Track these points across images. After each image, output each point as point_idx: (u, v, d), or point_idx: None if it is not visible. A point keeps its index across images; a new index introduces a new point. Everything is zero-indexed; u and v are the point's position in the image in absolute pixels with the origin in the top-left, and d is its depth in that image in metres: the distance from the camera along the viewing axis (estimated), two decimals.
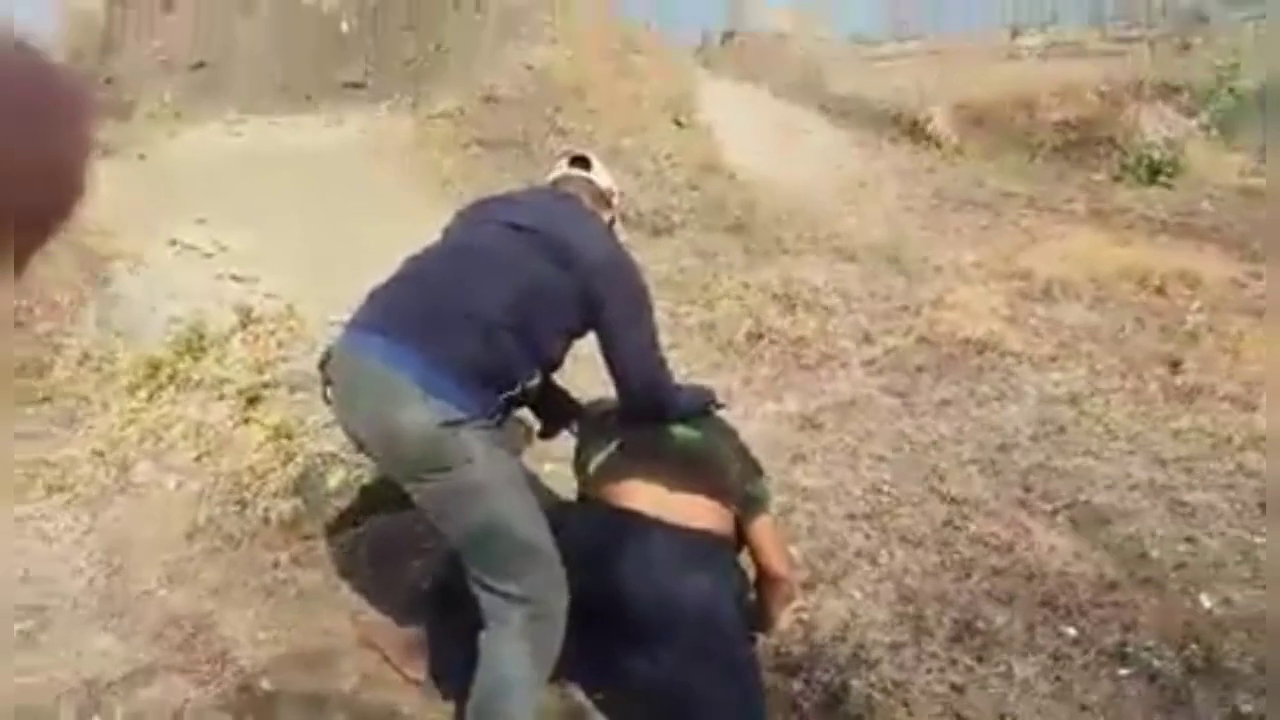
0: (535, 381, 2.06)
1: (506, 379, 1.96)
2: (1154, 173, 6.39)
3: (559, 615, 1.94)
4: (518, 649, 1.90)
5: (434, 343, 1.87)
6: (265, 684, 2.48)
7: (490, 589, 1.92)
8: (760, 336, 4.35)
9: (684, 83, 6.82)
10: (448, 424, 1.82)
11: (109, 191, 5.09)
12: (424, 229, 2.20)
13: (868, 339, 4.25)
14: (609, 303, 2.03)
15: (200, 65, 6.63)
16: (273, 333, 3.75)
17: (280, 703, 2.42)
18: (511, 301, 1.94)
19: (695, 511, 2.14)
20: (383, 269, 2.10)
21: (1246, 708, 2.15)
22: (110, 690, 2.53)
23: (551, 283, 1.99)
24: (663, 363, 2.20)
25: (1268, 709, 1.94)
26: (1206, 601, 2.49)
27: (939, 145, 6.92)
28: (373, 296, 2.03)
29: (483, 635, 1.95)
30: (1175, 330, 4.01)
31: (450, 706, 2.27)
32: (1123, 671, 2.28)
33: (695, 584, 2.04)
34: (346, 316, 2.08)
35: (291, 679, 2.49)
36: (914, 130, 7.06)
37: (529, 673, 1.93)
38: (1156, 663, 2.28)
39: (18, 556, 3.19)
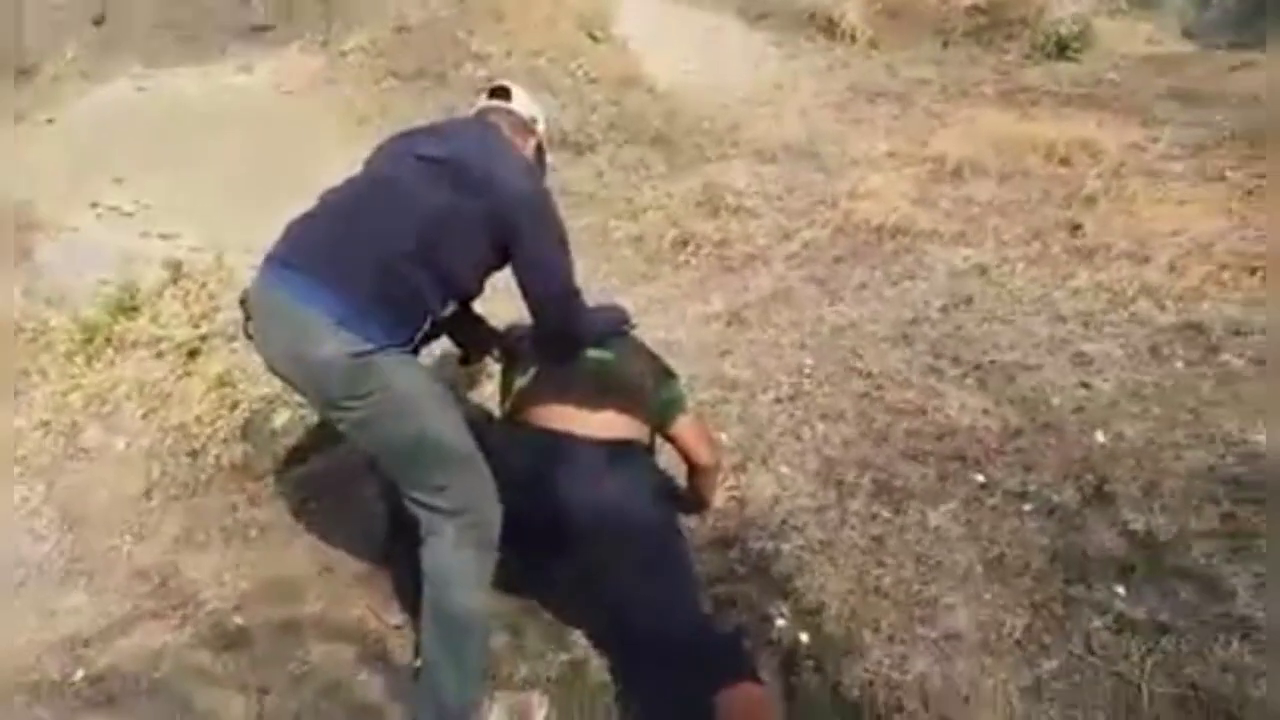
0: (447, 311, 2.13)
1: (415, 309, 2.02)
2: (1061, 48, 6.52)
3: (493, 523, 2.05)
4: (457, 558, 2.02)
5: (343, 275, 1.93)
6: (237, 619, 2.61)
7: (424, 504, 2.02)
8: (685, 243, 4.47)
9: None
10: (360, 354, 1.90)
11: (22, 159, 5.02)
12: (342, 167, 2.25)
13: (787, 235, 4.39)
14: (521, 233, 2.07)
15: (101, 20, 6.46)
16: (203, 285, 3.79)
17: (253, 634, 2.55)
18: (418, 231, 1.99)
19: (610, 424, 2.28)
20: (306, 210, 2.15)
21: (1135, 525, 2.37)
22: (89, 644, 2.64)
23: (461, 213, 2.03)
24: (577, 291, 2.24)
25: None
26: (1100, 437, 2.70)
27: (854, 40, 6.97)
28: (287, 230, 2.09)
29: (422, 550, 2.06)
30: (1077, 197, 4.18)
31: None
32: (1025, 508, 2.48)
33: (616, 487, 2.18)
34: None
35: (261, 612, 2.62)
36: (830, 27, 7.09)
37: (472, 572, 2.04)
38: (1055, 497, 2.49)
39: None
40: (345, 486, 3.03)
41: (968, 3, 7.09)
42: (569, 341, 2.31)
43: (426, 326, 2.06)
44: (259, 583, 2.74)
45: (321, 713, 2.24)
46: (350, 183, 2.16)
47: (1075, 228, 3.90)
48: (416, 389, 2.00)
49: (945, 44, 6.94)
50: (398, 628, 2.45)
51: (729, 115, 5.85)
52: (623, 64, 6.22)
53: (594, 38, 6.47)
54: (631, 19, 6.70)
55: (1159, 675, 1.94)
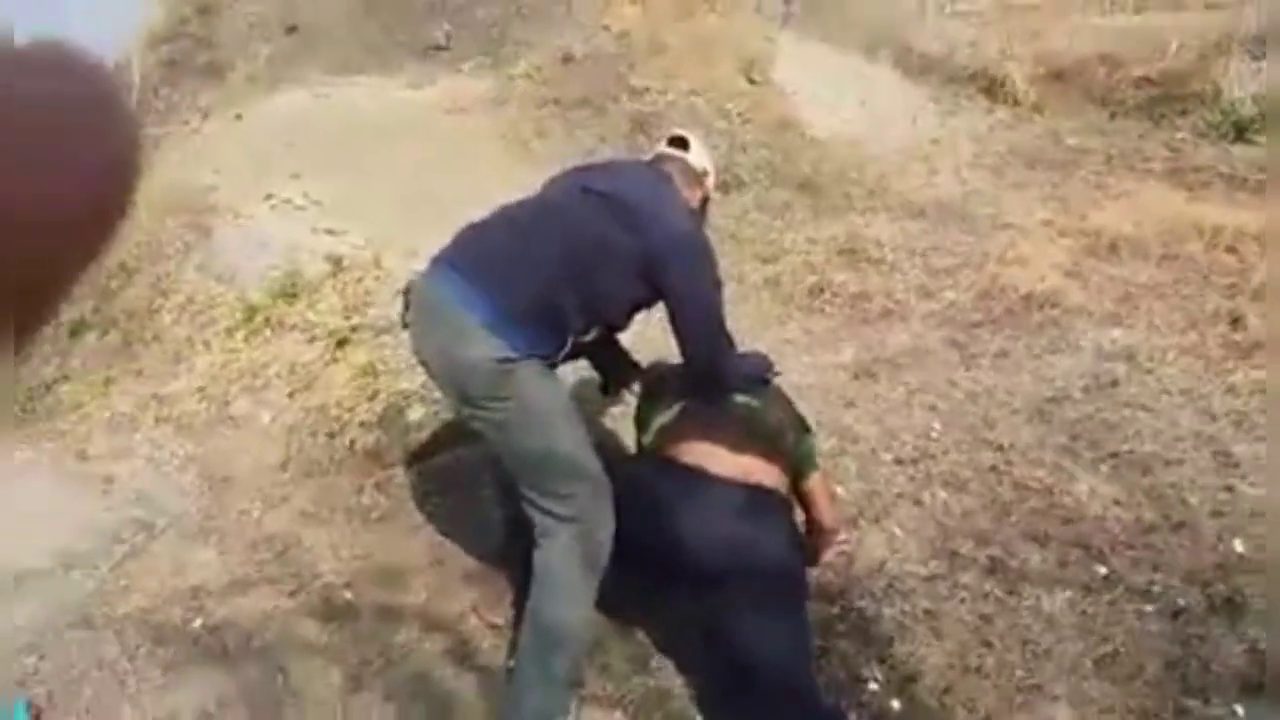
0: (590, 336, 2.23)
1: (561, 328, 2.12)
2: (1240, 129, 6.19)
3: (604, 542, 2.12)
4: (566, 563, 2.09)
5: (500, 285, 2.06)
6: (346, 595, 2.75)
7: (541, 509, 2.11)
8: (823, 291, 4.45)
9: (758, 40, 6.85)
10: (504, 360, 2.01)
11: (210, 150, 5.44)
12: (501, 184, 2.38)
13: (929, 294, 4.31)
14: (673, 272, 2.14)
15: (293, 29, 6.94)
16: (360, 280, 4.01)
17: (359, 612, 2.68)
18: (575, 257, 2.11)
19: (753, 469, 2.30)
20: (462, 221, 2.29)
21: (1264, 644, 2.23)
22: (211, 596, 2.83)
23: (619, 245, 2.12)
24: (726, 335, 2.30)
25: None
26: (1239, 547, 2.55)
27: (1017, 102, 6.81)
28: (458, 235, 2.24)
29: (535, 553, 2.15)
30: (1242, 288, 3.97)
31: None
32: (1147, 608, 2.37)
33: (753, 530, 2.20)
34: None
35: (369, 592, 2.76)
36: (991, 87, 6.95)
37: (578, 585, 2.12)
38: (1181, 600, 2.37)
39: (131, 479, 3.54)
40: (468, 486, 3.15)
41: (1139, 73, 6.82)
42: (715, 381, 2.36)
43: (569, 347, 2.16)
44: (372, 565, 2.87)
45: (411, 697, 2.33)
46: (521, 204, 2.29)
47: (1235, 320, 3.70)
48: (551, 401, 2.10)
49: (1113, 115, 6.69)
50: (496, 628, 2.54)
51: (880, 167, 5.81)
52: (779, 107, 6.26)
53: (752, 80, 6.54)
54: (790, 64, 6.74)
55: None
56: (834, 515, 2.54)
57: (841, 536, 2.61)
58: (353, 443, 3.36)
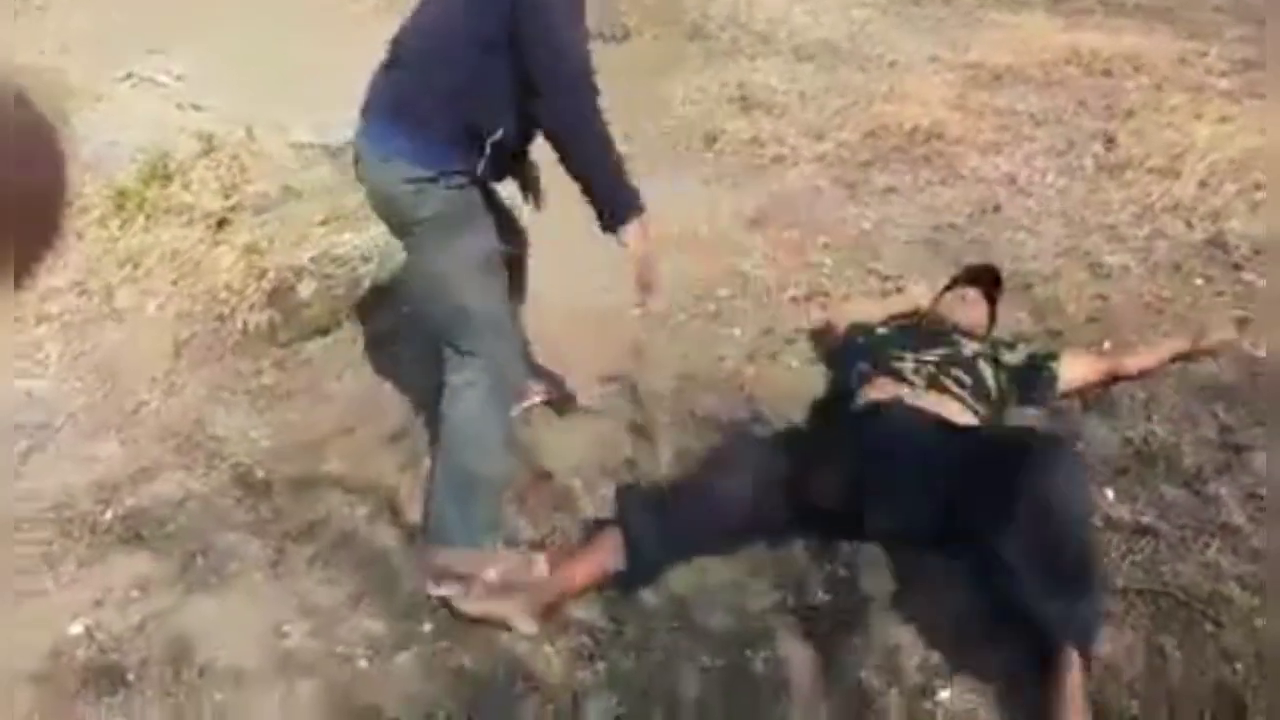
0: (499, 134, 2.03)
1: (464, 129, 2.02)
2: None
3: (507, 381, 2.18)
4: (470, 406, 2.13)
5: (395, 108, 2.06)
6: (259, 473, 2.74)
7: (448, 346, 2.15)
8: (715, 140, 4.44)
9: None
10: (415, 180, 2.01)
11: (60, 29, 5.03)
12: (371, 43, 2.27)
13: (819, 136, 4.34)
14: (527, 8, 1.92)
15: None
16: (235, 157, 3.83)
17: (274, 487, 2.68)
18: (446, 45, 2.03)
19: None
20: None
21: (1132, 433, 2.42)
22: (118, 488, 2.78)
23: (482, 12, 1.98)
24: (589, 76, 1.99)
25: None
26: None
27: None
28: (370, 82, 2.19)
29: (444, 400, 2.18)
30: (1115, 109, 4.10)
31: None
32: (1029, 411, 2.53)
33: None
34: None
35: (283, 467, 2.74)
36: None
37: (487, 436, 2.16)
38: (1059, 404, 2.53)
39: (19, 381, 3.40)
40: (372, 356, 3.13)
41: None
42: (578, 129, 2.02)
43: (487, 152, 2.04)
44: (282, 442, 2.86)
45: (338, 561, 2.37)
46: (403, 28, 2.19)
47: (1109, 140, 3.84)
48: (461, 222, 2.08)
49: None
50: (411, 487, 2.57)
51: (768, 11, 5.73)
52: None
53: None
54: None
55: (1136, 573, 2.01)
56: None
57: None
58: (245, 324, 3.28)
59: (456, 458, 2.17)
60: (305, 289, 3.28)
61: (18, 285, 0.26)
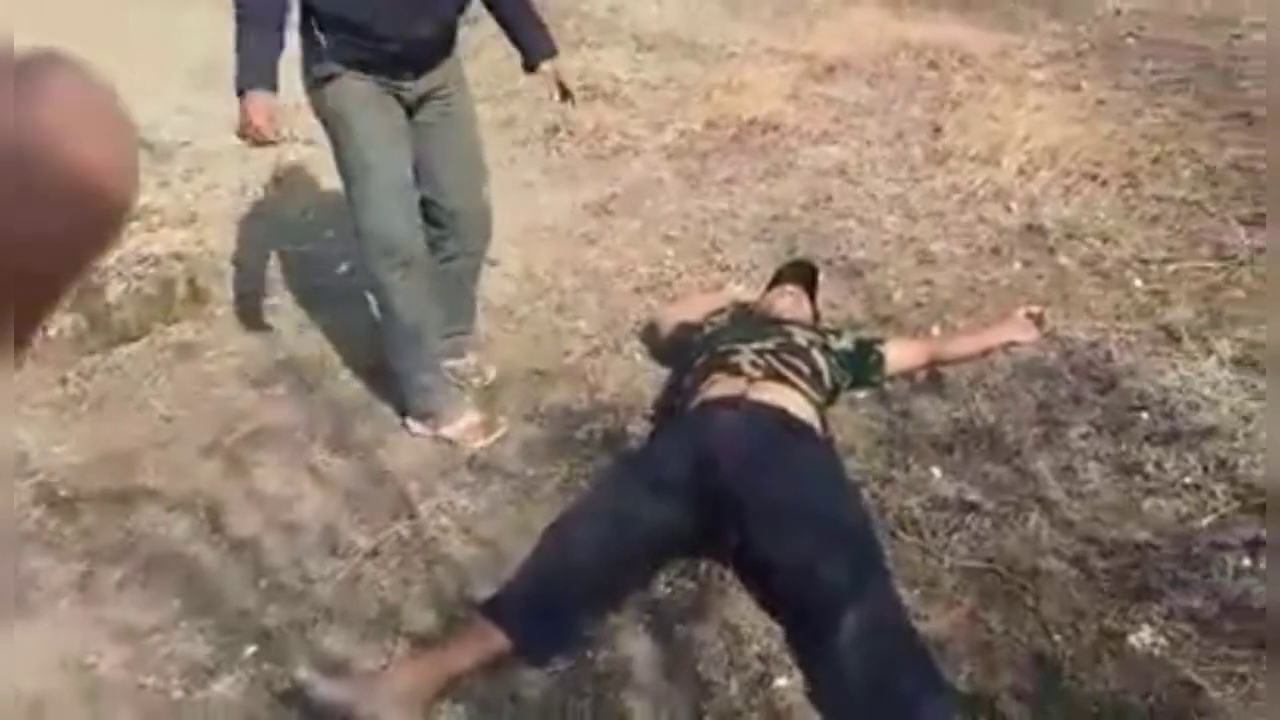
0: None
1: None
2: None
3: (383, 235, 2.33)
4: (385, 314, 2.46)
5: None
6: (64, 490, 2.52)
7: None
8: (558, 129, 4.38)
9: None
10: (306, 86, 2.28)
11: None
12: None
13: (661, 126, 4.35)
14: None
15: None
16: None
17: (82, 504, 2.47)
18: None
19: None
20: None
21: (959, 413, 2.50)
22: None
23: None
24: None
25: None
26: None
27: None
28: None
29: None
30: (942, 100, 4.27)
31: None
32: (859, 394, 2.59)
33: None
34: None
35: (92, 482, 2.54)
36: None
37: (384, 297, 2.42)
38: (888, 386, 2.60)
39: None
40: (185, 359, 2.93)
41: None
42: None
43: (312, 34, 2.23)
44: (91, 455, 2.65)
45: (148, 580, 2.20)
46: None
47: (936, 130, 3.99)
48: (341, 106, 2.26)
49: None
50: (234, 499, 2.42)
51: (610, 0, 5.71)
52: None
53: None
54: None
55: (961, 549, 2.08)
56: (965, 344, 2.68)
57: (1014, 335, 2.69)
58: (47, 330, 3.02)
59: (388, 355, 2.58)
60: (113, 292, 3.04)
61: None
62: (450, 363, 2.74)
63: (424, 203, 2.48)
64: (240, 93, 2.17)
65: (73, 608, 2.18)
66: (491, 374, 2.79)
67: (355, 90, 2.24)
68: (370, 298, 2.59)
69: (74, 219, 0.18)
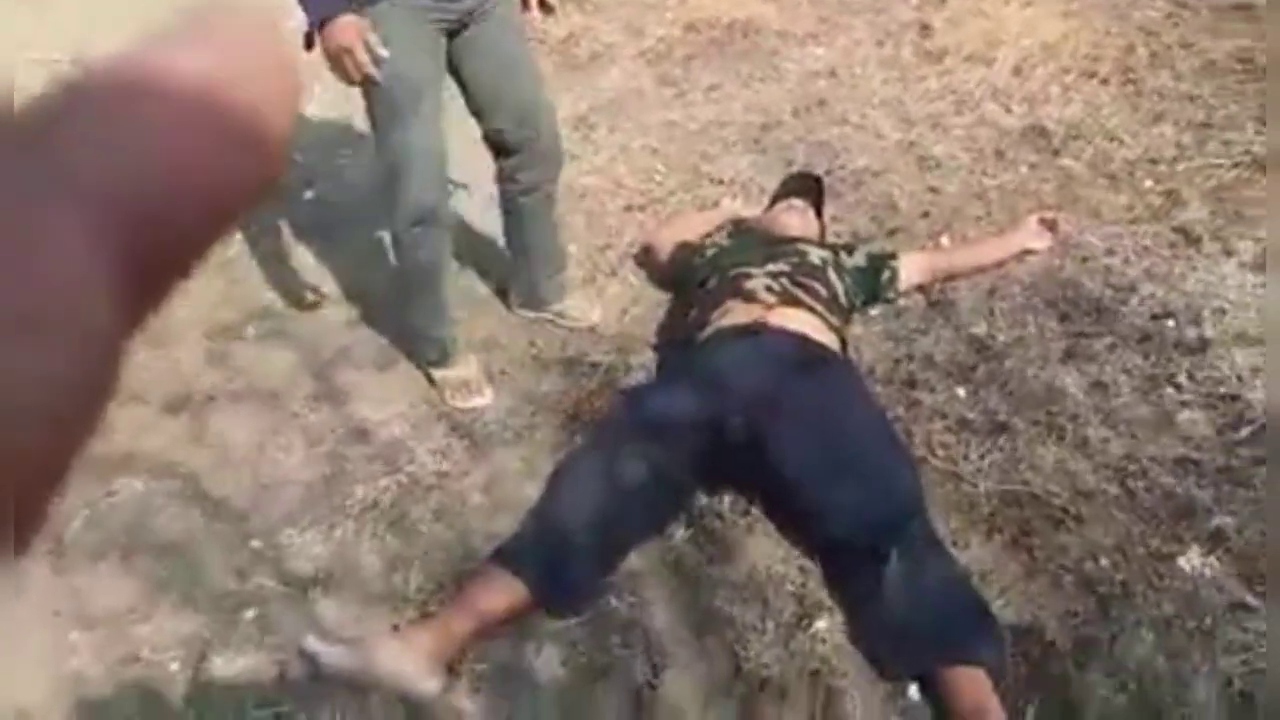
0: None
1: None
2: None
3: (403, 230, 2.20)
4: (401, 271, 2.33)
5: None
6: None
7: None
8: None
9: None
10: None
11: None
12: None
13: (636, 31, 4.09)
14: None
15: None
16: None
17: None
18: None
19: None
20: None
21: (976, 330, 2.39)
22: None
23: None
24: None
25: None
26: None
27: None
28: None
29: None
30: None
31: None
32: (871, 313, 2.46)
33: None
34: None
35: None
36: None
37: (411, 289, 2.33)
38: (901, 302, 2.47)
39: None
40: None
41: None
42: None
43: None
44: None
45: (127, 547, 2.05)
46: None
47: (925, 28, 3.79)
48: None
49: None
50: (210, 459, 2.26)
51: None
52: None
53: None
54: None
55: (994, 474, 1.99)
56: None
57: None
58: None
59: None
60: None
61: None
62: (557, 305, 2.56)
63: (490, 134, 2.26)
64: (319, 26, 1.91)
65: (41, 588, 2.02)
66: (597, 314, 2.58)
67: (396, 28, 1.97)
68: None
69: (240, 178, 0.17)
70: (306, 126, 3.44)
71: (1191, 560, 1.77)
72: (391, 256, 2.40)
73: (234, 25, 0.18)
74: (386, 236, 2.42)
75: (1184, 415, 2.07)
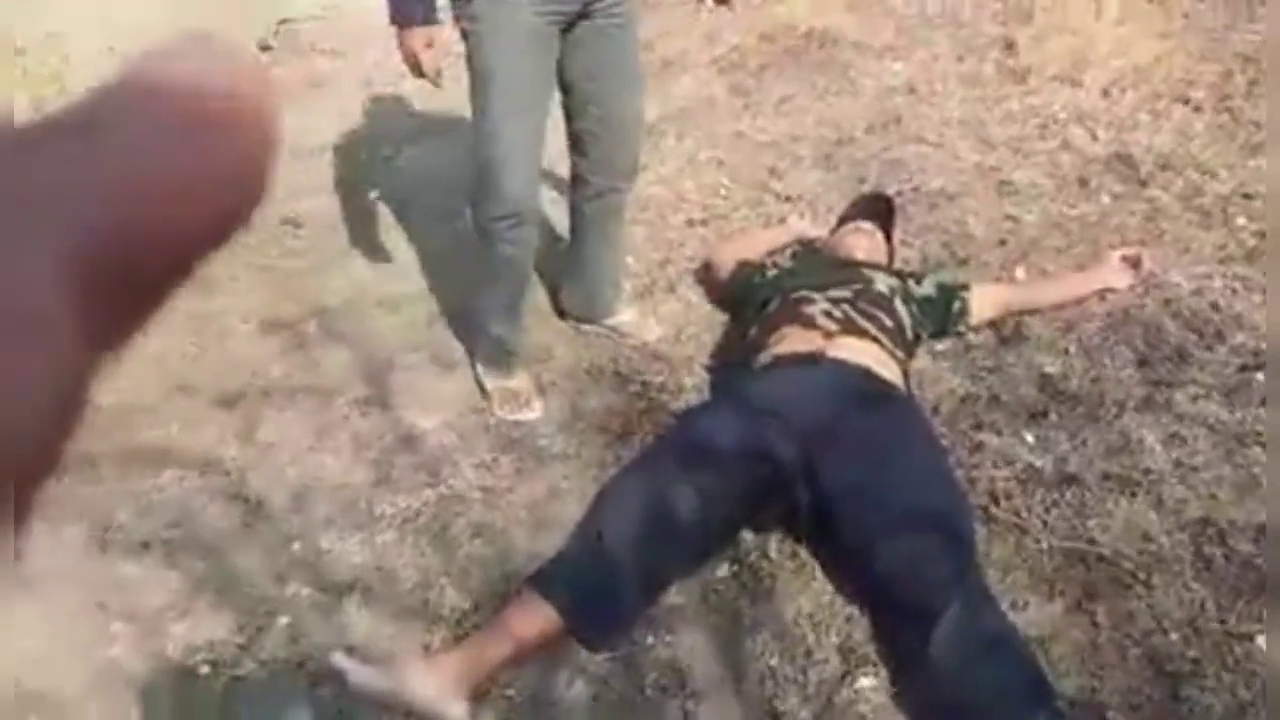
0: None
1: None
2: None
3: (488, 224, 2.17)
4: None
5: None
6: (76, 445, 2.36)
7: None
8: None
9: None
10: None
11: None
12: None
13: (710, 38, 4.02)
14: None
15: None
16: None
17: (98, 460, 2.30)
18: None
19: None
20: None
21: (1050, 369, 2.27)
22: None
23: None
24: None
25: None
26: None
27: None
28: None
29: None
30: (1013, 13, 3.90)
31: None
32: (939, 346, 2.36)
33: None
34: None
35: (108, 437, 2.36)
36: None
37: (484, 276, 2.30)
38: (971, 336, 2.37)
39: None
40: (198, 304, 2.74)
41: None
42: None
43: None
44: (105, 408, 2.47)
45: (171, 541, 2.05)
46: None
47: (1009, 46, 3.64)
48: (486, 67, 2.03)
49: None
50: (257, 457, 2.25)
51: None
52: None
53: None
54: None
55: (1060, 529, 1.88)
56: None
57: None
58: None
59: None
60: None
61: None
62: (612, 320, 2.51)
63: (576, 132, 2.25)
64: (401, 27, 2.00)
65: (86, 575, 2.03)
66: (652, 331, 2.52)
67: (511, 19, 1.95)
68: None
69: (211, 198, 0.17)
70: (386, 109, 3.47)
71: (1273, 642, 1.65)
72: (460, 256, 2.38)
73: (212, 53, 0.18)
74: (465, 229, 2.39)
75: (1270, 478, 1.94)
